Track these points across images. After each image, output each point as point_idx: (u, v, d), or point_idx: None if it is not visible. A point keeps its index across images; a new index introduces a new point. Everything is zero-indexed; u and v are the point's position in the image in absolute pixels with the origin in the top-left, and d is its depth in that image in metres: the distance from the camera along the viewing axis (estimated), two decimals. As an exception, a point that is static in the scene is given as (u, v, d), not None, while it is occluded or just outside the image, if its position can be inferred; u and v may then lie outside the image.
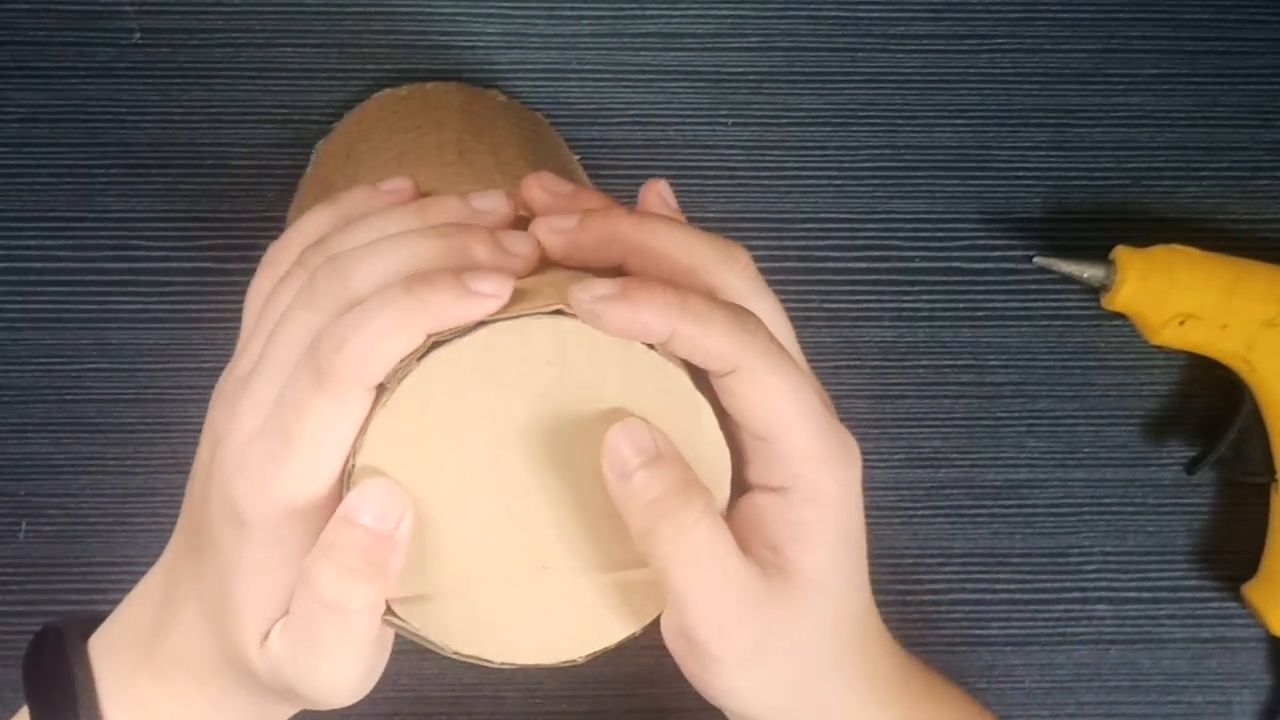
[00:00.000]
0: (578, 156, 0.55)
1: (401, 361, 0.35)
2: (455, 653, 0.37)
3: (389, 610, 0.37)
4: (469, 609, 0.37)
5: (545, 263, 0.38)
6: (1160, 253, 0.54)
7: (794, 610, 0.38)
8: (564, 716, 0.56)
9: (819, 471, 0.37)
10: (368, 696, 0.55)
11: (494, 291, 0.35)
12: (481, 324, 0.35)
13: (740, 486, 0.38)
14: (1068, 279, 0.55)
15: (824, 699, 0.40)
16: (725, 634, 0.37)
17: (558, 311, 0.35)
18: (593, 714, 0.56)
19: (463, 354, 0.35)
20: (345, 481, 0.35)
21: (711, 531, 0.36)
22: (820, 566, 0.38)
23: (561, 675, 0.56)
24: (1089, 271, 0.54)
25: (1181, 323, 0.53)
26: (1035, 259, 0.55)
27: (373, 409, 0.35)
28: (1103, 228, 0.57)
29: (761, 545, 0.38)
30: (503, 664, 0.38)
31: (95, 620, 0.41)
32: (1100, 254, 0.55)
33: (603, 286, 0.35)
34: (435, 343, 0.35)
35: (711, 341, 0.36)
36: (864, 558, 0.40)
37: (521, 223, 0.39)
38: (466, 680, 0.56)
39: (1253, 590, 0.56)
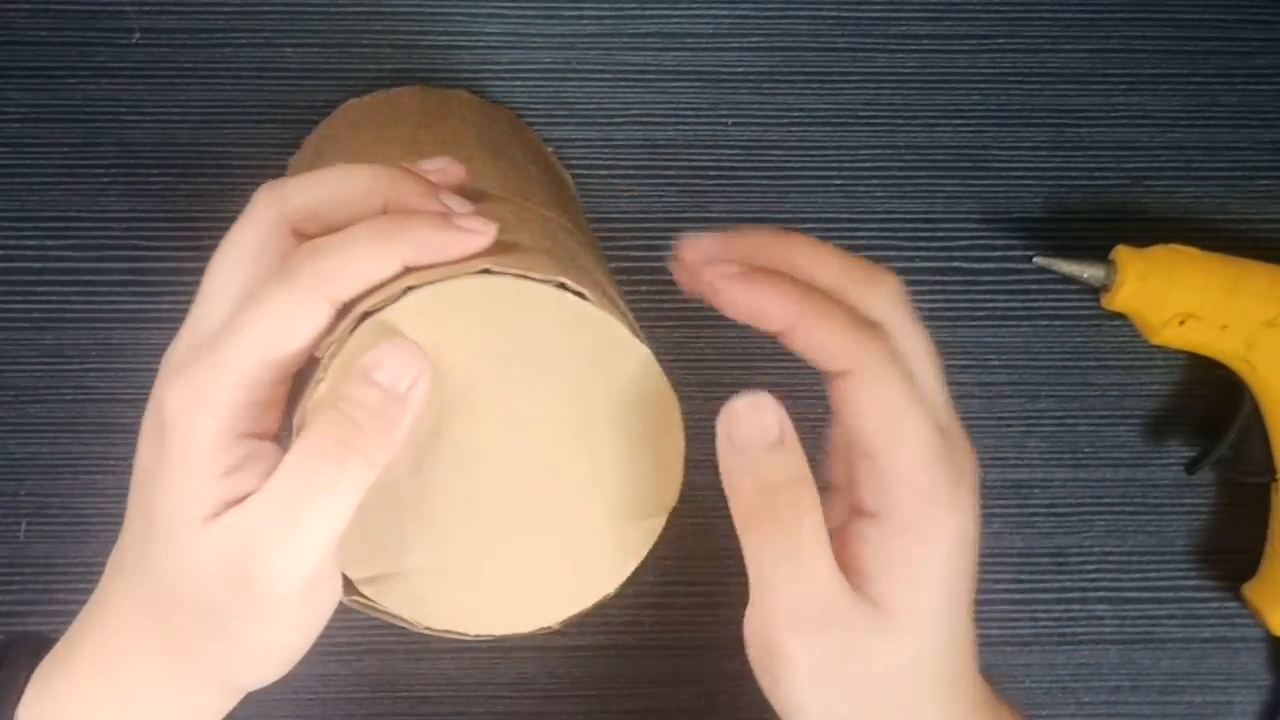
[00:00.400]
0: (563, 152, 0.55)
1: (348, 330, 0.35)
2: (428, 628, 0.37)
3: (356, 592, 0.36)
4: (439, 583, 0.37)
5: None
6: (1160, 253, 0.54)
7: (874, 638, 0.37)
8: (564, 716, 0.56)
9: (919, 504, 0.36)
10: (367, 696, 0.55)
11: (479, 229, 0.35)
12: (410, 289, 0.35)
13: (847, 510, 0.38)
14: (1068, 279, 0.55)
15: None
16: (799, 636, 0.37)
17: (485, 271, 0.35)
18: (593, 714, 0.56)
19: (398, 317, 0.35)
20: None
21: (814, 531, 0.36)
22: (908, 605, 0.37)
23: (562, 675, 0.56)
24: (1089, 271, 0.54)
25: (1181, 323, 0.53)
26: (1035, 259, 0.55)
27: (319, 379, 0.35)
28: (1103, 228, 0.57)
29: (852, 569, 0.37)
30: (477, 636, 0.38)
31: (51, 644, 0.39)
32: (1100, 254, 0.55)
33: (728, 265, 0.35)
34: (365, 314, 0.35)
35: (829, 336, 0.35)
36: (965, 598, 0.38)
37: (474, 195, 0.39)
38: (467, 680, 0.56)
39: (1253, 590, 0.56)
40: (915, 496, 0.36)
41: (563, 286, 0.35)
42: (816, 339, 0.36)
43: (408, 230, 0.35)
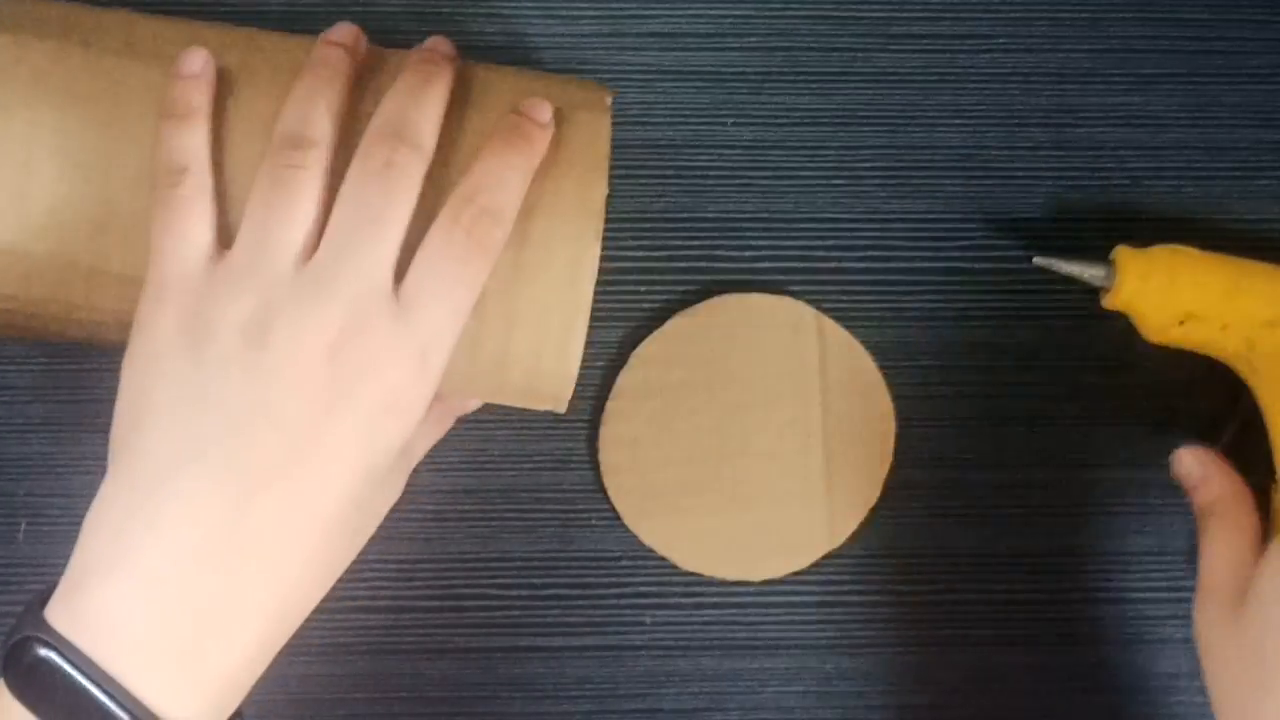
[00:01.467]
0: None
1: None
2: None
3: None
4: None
5: None
6: (1161, 252, 0.54)
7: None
8: (564, 716, 0.56)
9: None
10: (366, 696, 0.55)
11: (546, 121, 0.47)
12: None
13: None
14: (1068, 279, 0.55)
15: None
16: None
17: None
18: (593, 714, 0.56)
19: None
20: None
21: (1231, 525, 0.53)
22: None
23: (562, 675, 0.56)
24: (1089, 271, 0.54)
25: (1182, 323, 0.53)
26: (1035, 259, 0.55)
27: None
28: (1102, 228, 0.57)
29: None
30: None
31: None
32: (1100, 254, 0.55)
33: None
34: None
35: None
36: None
37: None
38: (467, 680, 0.56)
39: None
40: None
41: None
42: None
43: (533, 156, 0.45)
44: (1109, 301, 0.54)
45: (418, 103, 0.45)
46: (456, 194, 0.44)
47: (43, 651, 0.39)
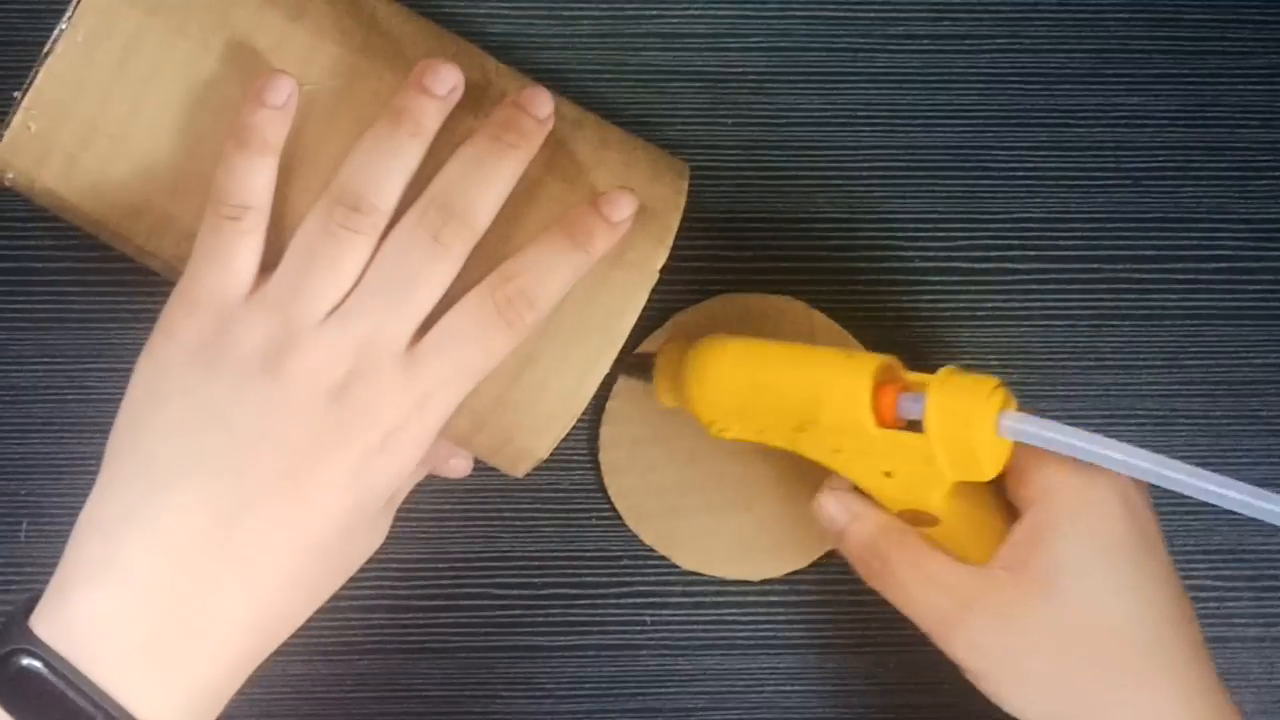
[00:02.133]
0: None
1: None
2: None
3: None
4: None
5: None
6: (694, 360, 0.50)
7: (1024, 606, 0.45)
8: (564, 716, 0.56)
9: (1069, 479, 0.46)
10: (367, 696, 0.55)
11: (627, 212, 0.47)
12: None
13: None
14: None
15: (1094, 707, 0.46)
16: (956, 629, 0.46)
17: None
18: (593, 714, 0.56)
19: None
20: None
21: (916, 546, 0.47)
22: (1049, 565, 0.45)
23: (562, 675, 0.56)
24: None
25: (722, 431, 0.50)
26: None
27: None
28: (1102, 228, 0.57)
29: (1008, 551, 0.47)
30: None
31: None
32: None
33: None
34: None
35: None
36: (1133, 567, 0.46)
37: None
38: (467, 680, 0.56)
39: None
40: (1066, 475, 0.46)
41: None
42: None
43: (591, 254, 0.45)
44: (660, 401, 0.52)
45: (482, 177, 0.44)
46: (502, 268, 0.44)
47: (27, 661, 0.39)
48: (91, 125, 0.44)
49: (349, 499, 0.43)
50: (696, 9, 0.57)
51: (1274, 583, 0.58)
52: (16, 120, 0.44)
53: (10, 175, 0.46)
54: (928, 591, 0.46)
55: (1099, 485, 0.46)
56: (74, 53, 0.44)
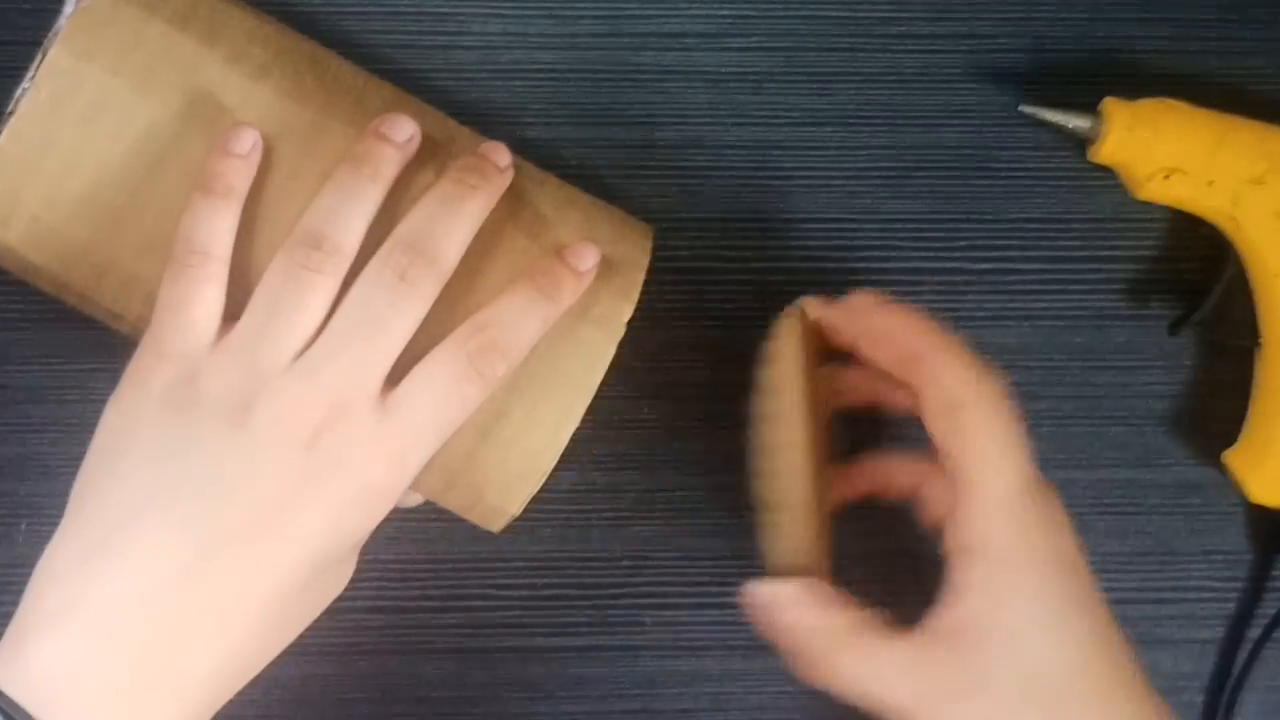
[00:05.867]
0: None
1: None
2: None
3: None
4: None
5: None
6: (1148, 105, 0.53)
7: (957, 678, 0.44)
8: (564, 716, 0.56)
9: (1011, 532, 0.45)
10: (366, 697, 0.55)
11: (590, 264, 0.47)
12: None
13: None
14: (1055, 129, 0.54)
15: None
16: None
17: None
18: (593, 714, 0.56)
19: None
20: None
21: (849, 636, 0.45)
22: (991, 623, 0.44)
23: (562, 675, 0.56)
24: (1075, 122, 0.54)
25: (1167, 176, 0.53)
26: (1022, 107, 0.54)
27: None
28: (1103, 228, 0.57)
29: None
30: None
31: None
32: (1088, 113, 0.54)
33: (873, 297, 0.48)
34: None
35: (952, 368, 0.46)
36: (1076, 610, 0.45)
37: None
38: (467, 680, 0.56)
39: (1233, 457, 0.56)
40: (1008, 523, 0.44)
41: None
42: (940, 367, 0.45)
43: (559, 304, 0.45)
44: (1094, 154, 0.54)
45: (447, 217, 0.44)
46: (472, 319, 0.44)
47: None
48: (56, 184, 0.45)
49: (319, 547, 0.43)
50: (696, 9, 0.57)
51: (1275, 584, 0.58)
52: None
53: None
54: (810, 635, 0.46)
55: (1028, 532, 0.45)
56: (38, 112, 0.44)
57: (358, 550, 0.47)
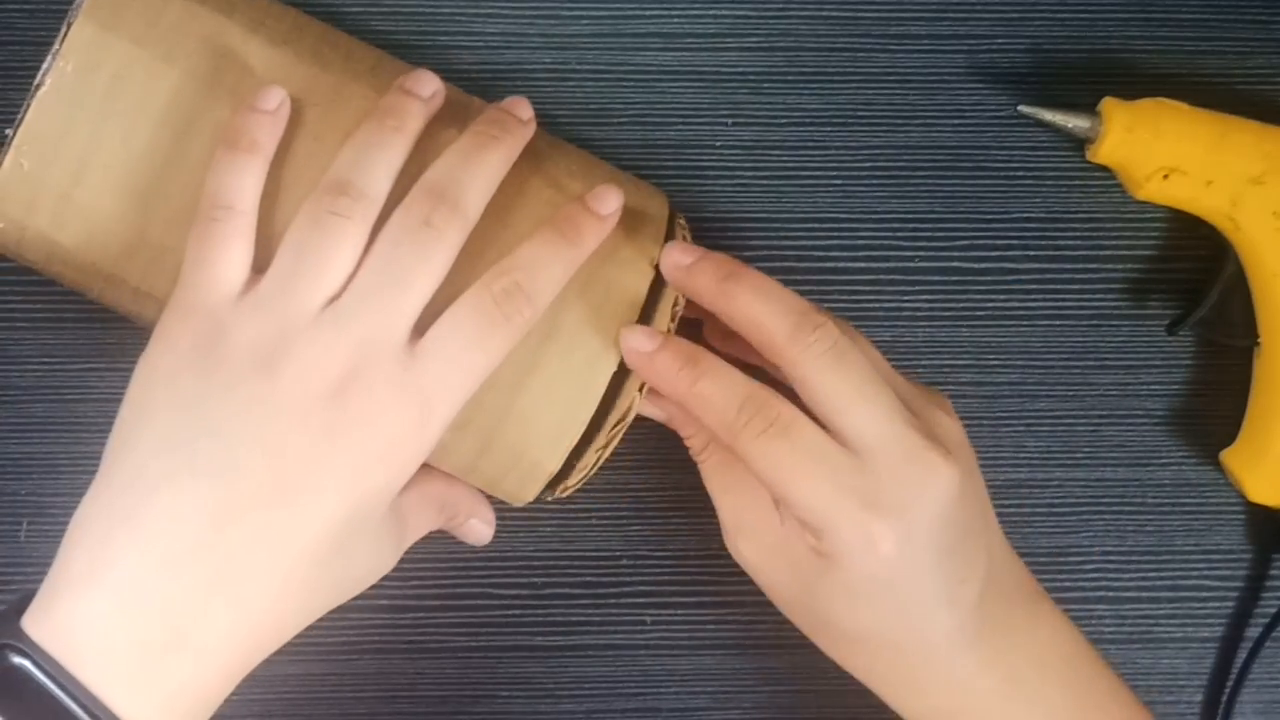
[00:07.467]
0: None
1: None
2: None
3: None
4: None
5: None
6: (1147, 105, 0.53)
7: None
8: (564, 716, 0.56)
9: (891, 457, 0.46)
10: (367, 696, 0.55)
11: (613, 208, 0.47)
12: None
13: None
14: (1054, 129, 0.54)
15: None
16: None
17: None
18: (593, 714, 0.56)
19: None
20: None
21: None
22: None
23: (562, 675, 0.56)
24: (1074, 122, 0.53)
25: (1166, 176, 0.53)
26: (1020, 107, 0.54)
27: None
28: (1102, 228, 0.57)
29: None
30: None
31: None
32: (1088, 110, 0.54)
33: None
34: None
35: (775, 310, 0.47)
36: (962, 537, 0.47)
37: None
38: (467, 680, 0.56)
39: (1231, 456, 0.56)
40: (889, 446, 0.46)
41: None
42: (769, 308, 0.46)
43: (583, 249, 0.45)
44: (1094, 154, 0.54)
45: (470, 166, 0.44)
46: (497, 266, 0.44)
47: (16, 659, 0.39)
48: (83, 159, 0.44)
49: (345, 506, 0.42)
50: (696, 9, 0.57)
51: (1274, 583, 0.58)
52: (8, 160, 0.44)
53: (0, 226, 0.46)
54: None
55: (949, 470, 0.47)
56: (64, 86, 0.44)
57: (399, 541, 0.47)
